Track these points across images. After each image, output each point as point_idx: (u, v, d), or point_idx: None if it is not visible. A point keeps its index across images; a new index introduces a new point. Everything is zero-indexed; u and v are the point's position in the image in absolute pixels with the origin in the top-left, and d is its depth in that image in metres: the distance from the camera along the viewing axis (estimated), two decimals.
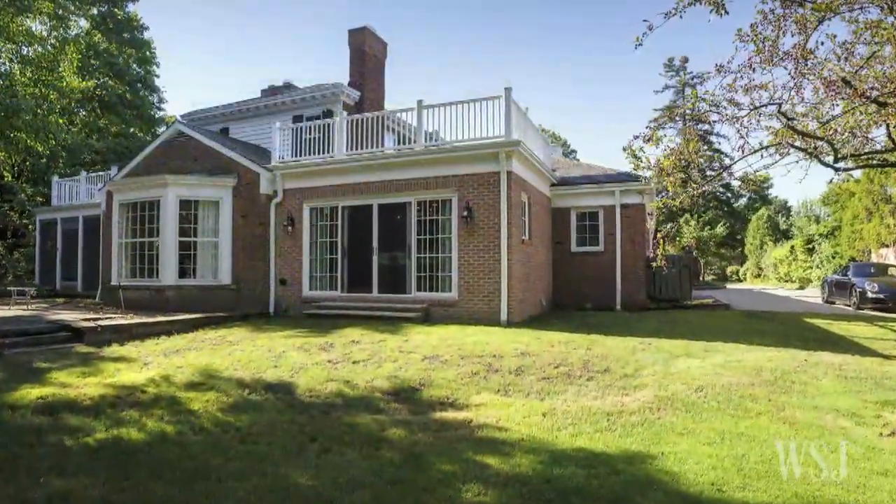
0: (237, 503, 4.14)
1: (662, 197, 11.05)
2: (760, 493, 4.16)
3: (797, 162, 10.23)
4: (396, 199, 13.66)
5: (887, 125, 9.28)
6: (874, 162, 11.02)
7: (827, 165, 10.00)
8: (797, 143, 9.85)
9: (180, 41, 79.71)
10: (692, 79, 56.20)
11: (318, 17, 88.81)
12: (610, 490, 4.24)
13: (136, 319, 11.97)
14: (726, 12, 7.39)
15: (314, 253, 14.81)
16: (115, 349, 9.98)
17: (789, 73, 8.80)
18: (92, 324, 11.00)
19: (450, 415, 6.22)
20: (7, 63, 20.52)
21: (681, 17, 7.60)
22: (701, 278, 43.15)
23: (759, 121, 9.51)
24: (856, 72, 8.75)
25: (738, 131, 9.57)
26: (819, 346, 9.61)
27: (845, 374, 7.47)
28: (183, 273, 14.82)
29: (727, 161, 47.59)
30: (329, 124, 14.74)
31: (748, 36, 8.62)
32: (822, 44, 8.71)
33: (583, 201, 16.82)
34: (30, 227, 28.66)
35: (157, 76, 37.51)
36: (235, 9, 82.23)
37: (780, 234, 52.21)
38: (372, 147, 14.26)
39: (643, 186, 15.76)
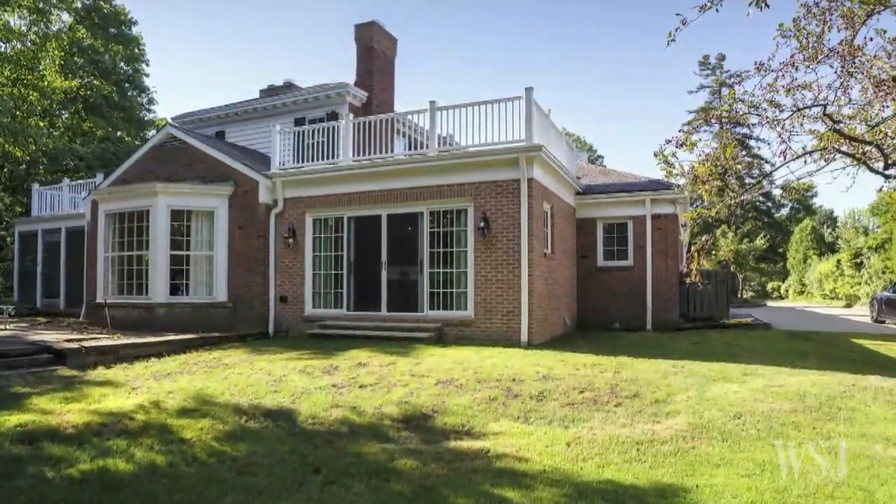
0: None
1: (697, 206, 11.00)
2: None
3: (843, 168, 10.18)
4: (407, 208, 13.74)
5: None
6: None
7: (876, 172, 9.95)
8: (843, 148, 9.82)
9: (172, 38, 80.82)
10: (729, 78, 56.15)
11: (322, 11, 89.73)
12: None
13: (124, 340, 12.10)
14: (767, 6, 7.40)
15: (317, 268, 14.89)
16: (100, 372, 10.09)
17: (835, 72, 8.80)
18: (75, 345, 11.10)
19: (465, 444, 6.25)
20: None
21: (717, 10, 7.59)
22: (739, 295, 42.89)
23: (802, 124, 9.49)
24: None
25: (780, 135, 9.54)
26: (867, 369, 9.57)
27: None
28: (174, 290, 14.95)
29: (767, 168, 47.42)
30: (334, 127, 14.87)
31: (790, 31, 8.63)
32: (871, 40, 8.71)
33: (610, 211, 16.83)
34: (8, 239, 28.98)
35: (147, 75, 37.84)
36: (232, 3, 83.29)
37: (826, 247, 51.84)
38: (381, 152, 14.35)
39: (676, 195, 15.72)
